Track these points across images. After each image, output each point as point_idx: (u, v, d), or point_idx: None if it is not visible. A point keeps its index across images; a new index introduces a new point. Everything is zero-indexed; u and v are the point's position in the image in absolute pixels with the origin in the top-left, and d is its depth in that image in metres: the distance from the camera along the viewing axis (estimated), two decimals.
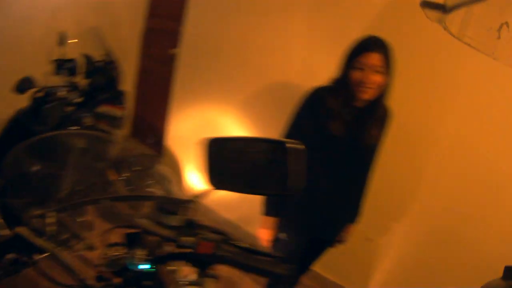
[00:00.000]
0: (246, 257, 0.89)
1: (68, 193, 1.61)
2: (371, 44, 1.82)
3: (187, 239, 0.92)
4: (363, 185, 2.13)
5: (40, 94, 2.66)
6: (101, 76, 3.09)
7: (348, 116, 1.89)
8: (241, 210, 3.40)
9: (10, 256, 1.87)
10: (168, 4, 4.16)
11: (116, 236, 1.25)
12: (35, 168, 1.81)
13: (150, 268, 1.06)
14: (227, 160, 0.98)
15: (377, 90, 1.83)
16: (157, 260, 1.04)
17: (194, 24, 3.65)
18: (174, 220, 0.95)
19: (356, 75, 1.81)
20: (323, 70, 2.80)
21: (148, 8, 4.35)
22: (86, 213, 1.72)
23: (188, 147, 3.39)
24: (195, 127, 3.72)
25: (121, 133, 3.13)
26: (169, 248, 1.01)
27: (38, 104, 2.61)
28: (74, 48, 3.28)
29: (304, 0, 3.00)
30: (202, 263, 0.94)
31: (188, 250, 0.94)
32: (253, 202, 3.28)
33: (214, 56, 3.52)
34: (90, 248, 1.87)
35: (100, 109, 2.95)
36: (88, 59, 3.16)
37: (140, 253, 1.10)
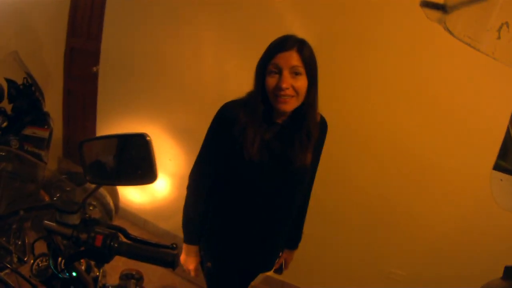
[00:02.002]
0: (137, 247, 1.00)
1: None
2: (284, 43, 1.49)
3: (82, 235, 1.02)
4: (300, 210, 1.83)
5: None
6: (24, 99, 3.12)
7: (267, 135, 1.55)
8: (178, 219, 3.51)
9: None
10: (87, 23, 4.20)
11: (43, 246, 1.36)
12: None
13: (71, 273, 1.15)
14: (99, 157, 1.09)
15: (299, 97, 1.49)
16: (66, 262, 1.12)
17: (111, 41, 3.72)
18: (73, 219, 1.05)
19: (271, 81, 1.47)
20: (237, 76, 2.95)
21: (69, 28, 4.37)
22: (17, 230, 1.80)
23: None
24: None
25: (48, 154, 3.16)
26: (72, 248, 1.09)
27: None
28: None
29: (213, 7, 3.07)
30: (100, 256, 1.02)
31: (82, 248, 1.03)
32: None
33: (132, 70, 3.60)
34: (21, 261, 1.96)
35: (26, 132, 2.98)
36: (10, 83, 3.18)
37: (61, 262, 1.18)
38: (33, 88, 3.20)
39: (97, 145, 1.11)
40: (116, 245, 1.00)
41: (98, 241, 0.99)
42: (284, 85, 1.43)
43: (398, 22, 2.40)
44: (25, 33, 3.98)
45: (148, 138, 0.98)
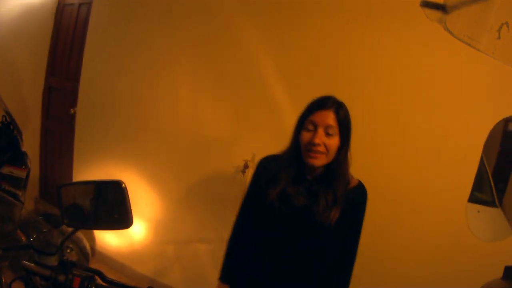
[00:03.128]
0: None
1: None
2: (323, 102, 1.57)
3: (61, 277, 1.03)
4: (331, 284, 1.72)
5: None
6: (2, 137, 3.09)
7: (292, 188, 1.62)
8: (155, 263, 3.51)
9: None
10: (66, 63, 4.24)
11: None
12: None
13: None
14: (76, 201, 1.11)
15: (329, 155, 1.56)
16: None
17: (89, 82, 3.77)
18: (51, 261, 1.07)
19: (306, 136, 1.56)
20: (212, 121, 3.04)
21: (48, 66, 4.40)
22: None
23: None
24: None
25: (25, 194, 3.12)
26: None
27: None
28: None
29: (189, 51, 3.17)
30: None
31: None
32: (166, 256, 3.37)
33: (110, 112, 3.64)
34: None
35: (3, 170, 2.93)
36: None
37: None
38: (11, 127, 3.18)
39: (74, 190, 1.14)
40: (93, 287, 1.02)
41: (76, 283, 1.01)
42: (316, 141, 1.51)
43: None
44: (4, 68, 3.98)
45: (123, 185, 1.01)
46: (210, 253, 3.16)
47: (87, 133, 3.84)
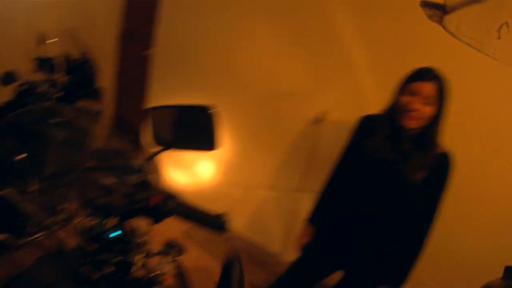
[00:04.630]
0: (191, 210, 1.04)
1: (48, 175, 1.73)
2: (426, 73, 1.66)
3: (141, 194, 1.06)
4: (409, 245, 1.83)
5: (22, 88, 2.76)
6: (79, 73, 3.21)
7: (390, 146, 1.75)
8: (220, 204, 3.53)
9: None
10: (142, 7, 4.24)
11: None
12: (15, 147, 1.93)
13: (119, 234, 1.19)
14: (166, 123, 1.14)
15: (423, 120, 1.67)
16: (121, 219, 1.16)
17: (167, 27, 3.75)
18: (132, 179, 1.09)
19: (404, 99, 1.67)
20: (288, 74, 3.00)
21: (124, 11, 4.43)
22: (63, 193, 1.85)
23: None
24: None
25: (100, 128, 3.24)
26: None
27: (20, 97, 2.71)
28: (53, 47, 3.41)
29: (271, 7, 3.09)
30: (156, 215, 1.06)
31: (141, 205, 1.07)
32: (233, 199, 3.43)
33: (186, 57, 3.63)
34: (69, 219, 2.01)
35: (79, 104, 3.06)
36: (67, 57, 3.27)
37: (110, 221, 1.22)
38: (89, 64, 3.29)
39: (164, 112, 1.18)
40: (171, 205, 1.03)
41: (155, 200, 1.03)
42: (413, 106, 1.64)
43: None
44: (81, 10, 4.08)
45: (212, 110, 1.03)
46: (276, 201, 3.18)
47: (161, 75, 3.88)
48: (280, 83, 3.08)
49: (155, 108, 1.13)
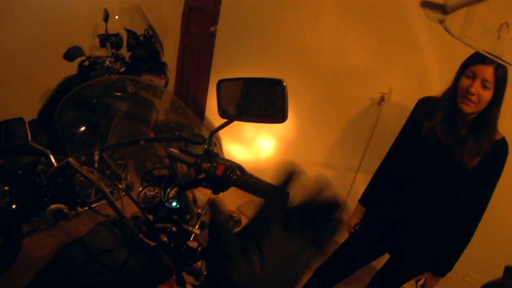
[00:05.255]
0: (253, 182, 1.02)
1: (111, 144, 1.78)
2: (485, 56, 1.65)
3: (205, 164, 1.06)
4: (456, 232, 1.84)
5: (87, 63, 2.84)
6: (143, 48, 3.26)
7: (447, 129, 1.74)
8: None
9: (54, 207, 2.08)
10: None
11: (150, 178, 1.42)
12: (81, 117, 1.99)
13: (177, 204, 1.25)
14: (234, 96, 1.12)
15: (479, 106, 1.64)
16: (182, 188, 1.18)
17: (231, 2, 3.74)
18: (197, 150, 1.09)
19: (464, 82, 1.65)
20: (353, 53, 2.92)
21: None
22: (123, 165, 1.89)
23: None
24: None
25: (161, 102, 3.30)
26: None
27: (84, 71, 2.78)
28: (117, 23, 3.49)
29: None
30: (217, 185, 1.05)
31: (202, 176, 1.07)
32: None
33: (249, 33, 3.61)
34: (129, 187, 2.07)
35: (142, 78, 3.10)
36: (131, 33, 3.35)
37: (170, 192, 1.29)
38: (153, 40, 3.34)
39: (232, 86, 1.16)
40: (234, 177, 1.02)
41: (219, 171, 1.03)
42: (472, 90, 1.61)
43: None
44: None
45: (284, 83, 1.00)
46: (335, 180, 3.12)
47: (225, 51, 3.88)
48: (344, 62, 3.00)
49: (222, 81, 1.11)
